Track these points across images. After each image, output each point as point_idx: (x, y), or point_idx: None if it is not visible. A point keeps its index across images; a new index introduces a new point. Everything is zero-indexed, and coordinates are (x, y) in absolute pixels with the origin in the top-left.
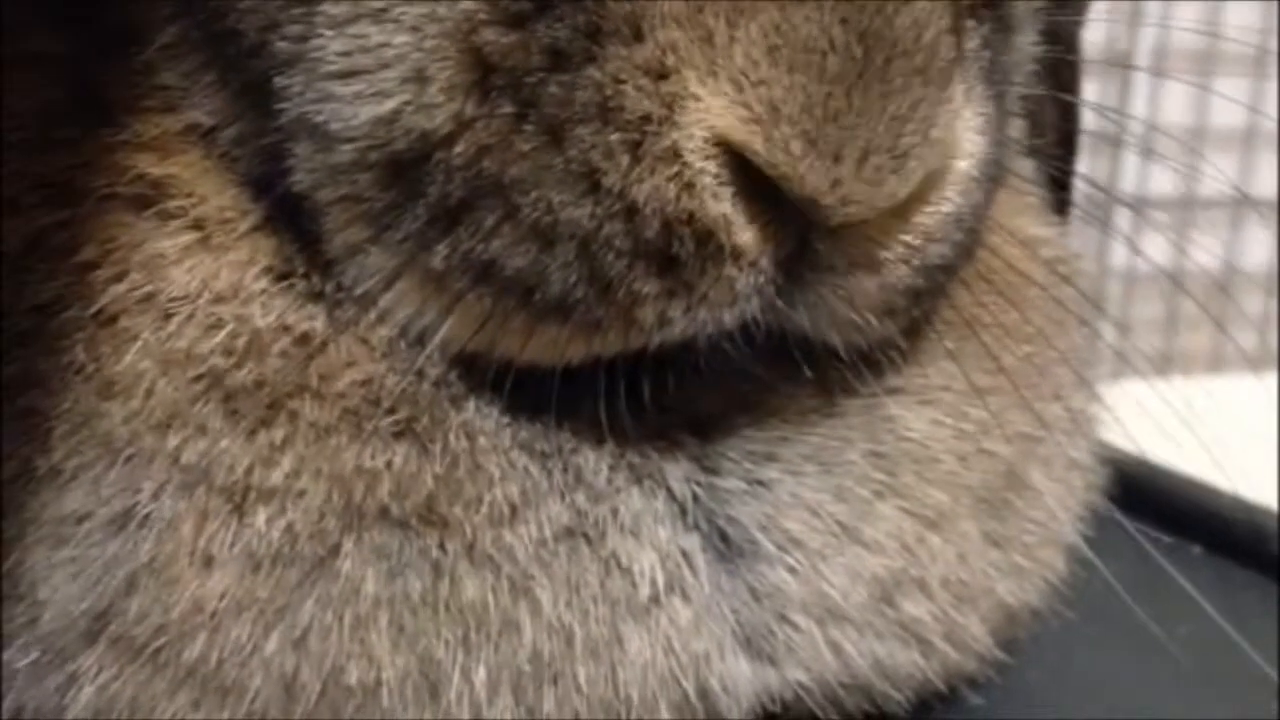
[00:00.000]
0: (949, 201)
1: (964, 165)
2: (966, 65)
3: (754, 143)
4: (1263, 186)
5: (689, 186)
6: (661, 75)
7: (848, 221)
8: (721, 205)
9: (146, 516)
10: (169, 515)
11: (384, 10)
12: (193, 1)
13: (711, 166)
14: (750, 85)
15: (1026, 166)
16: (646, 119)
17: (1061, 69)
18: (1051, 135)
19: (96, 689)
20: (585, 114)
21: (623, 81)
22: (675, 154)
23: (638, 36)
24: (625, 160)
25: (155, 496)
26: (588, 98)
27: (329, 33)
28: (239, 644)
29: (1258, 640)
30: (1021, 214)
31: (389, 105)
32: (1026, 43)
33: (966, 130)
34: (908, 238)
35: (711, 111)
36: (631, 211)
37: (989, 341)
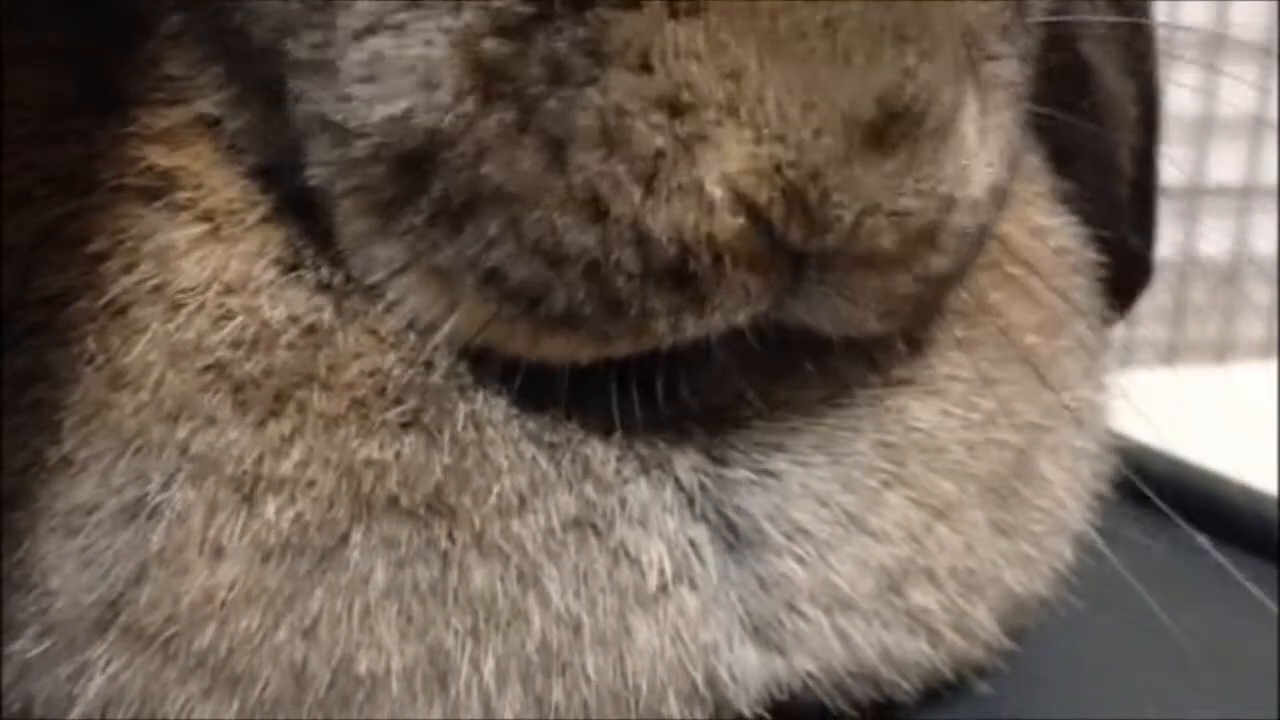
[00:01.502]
0: (956, 220)
1: (974, 192)
2: (988, 95)
3: (753, 192)
4: (1270, 176)
5: (710, 210)
6: (676, 112)
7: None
8: (739, 220)
9: (156, 507)
10: (179, 505)
11: (400, 25)
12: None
13: (728, 191)
14: (769, 137)
15: (1035, 157)
16: (660, 154)
17: (1135, 44)
18: (1130, 116)
19: (107, 679)
20: (587, 138)
21: (630, 114)
22: (696, 187)
23: (645, 66)
24: (637, 193)
25: (165, 487)
26: (589, 121)
27: (347, 43)
28: (249, 633)
29: (1266, 629)
30: (1029, 204)
31: (401, 105)
32: (1033, 43)
33: (976, 163)
34: (913, 244)
35: (725, 154)
36: (644, 238)
37: (996, 332)
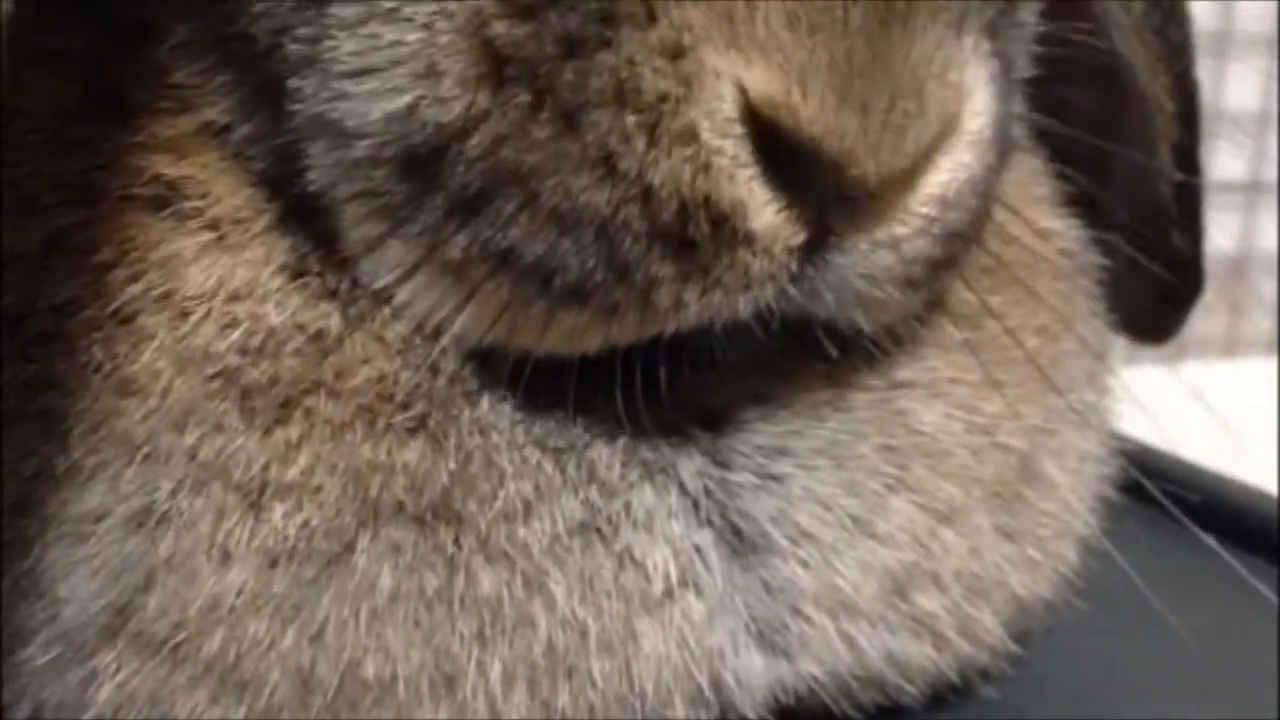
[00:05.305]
0: (963, 165)
1: (976, 123)
2: (972, 18)
3: (784, 106)
4: (1275, 172)
5: (705, 168)
6: (678, 54)
7: (879, 179)
8: (737, 188)
9: (165, 514)
10: (187, 512)
11: (395, 10)
12: (204, 3)
13: (729, 146)
14: (775, 51)
15: (1036, 160)
16: (663, 99)
17: (1169, 36)
18: (1167, 112)
19: (116, 685)
20: (601, 98)
21: (638, 64)
22: (692, 134)
23: (651, 19)
24: (641, 142)
25: (173, 494)
26: (603, 83)
27: (341, 34)
28: (256, 639)
29: (1269, 630)
30: (1032, 206)
31: (404, 100)
32: (1029, 18)
33: (977, 81)
34: (924, 209)
35: (732, 91)
36: (648, 194)
37: (1000, 335)
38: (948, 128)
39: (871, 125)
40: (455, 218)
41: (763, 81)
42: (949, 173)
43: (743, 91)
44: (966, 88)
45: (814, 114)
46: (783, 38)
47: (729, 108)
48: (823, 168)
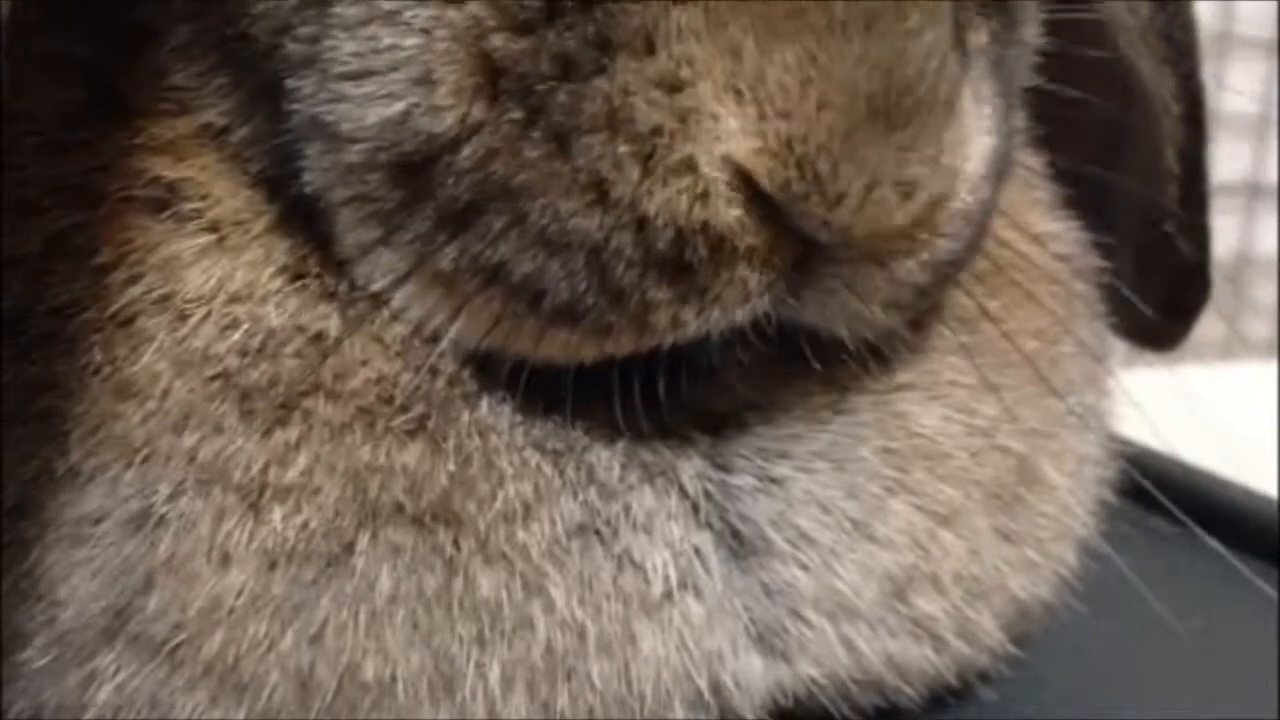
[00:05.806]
0: (957, 200)
1: (971, 166)
2: (973, 64)
3: (762, 172)
4: (1274, 175)
5: (703, 196)
6: (675, 88)
7: (869, 239)
8: (735, 211)
9: (164, 516)
10: (186, 514)
11: (395, 13)
12: (205, 4)
13: (725, 175)
14: (774, 114)
15: (1036, 162)
16: (657, 131)
17: (1175, 37)
18: (1173, 113)
19: (115, 687)
20: (593, 124)
21: (632, 94)
22: (689, 166)
23: (649, 49)
24: (635, 172)
25: (172, 496)
26: (596, 109)
27: (341, 34)
28: (255, 641)
29: (1268, 633)
30: (1031, 209)
31: (398, 107)
32: (1030, 35)
33: (974, 133)
34: (917, 235)
35: (726, 134)
36: (642, 222)
37: (999, 337)
38: (946, 186)
39: (849, 208)
40: (445, 229)
41: (749, 142)
42: (945, 205)
43: (737, 140)
44: (966, 141)
45: (787, 189)
46: (791, 100)
47: (725, 147)
48: (812, 220)
